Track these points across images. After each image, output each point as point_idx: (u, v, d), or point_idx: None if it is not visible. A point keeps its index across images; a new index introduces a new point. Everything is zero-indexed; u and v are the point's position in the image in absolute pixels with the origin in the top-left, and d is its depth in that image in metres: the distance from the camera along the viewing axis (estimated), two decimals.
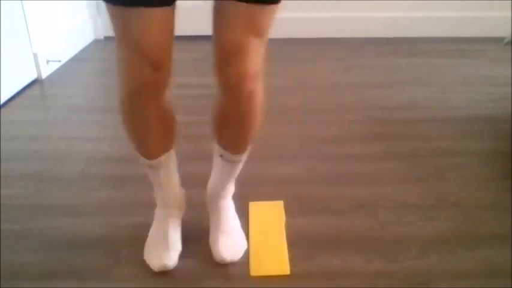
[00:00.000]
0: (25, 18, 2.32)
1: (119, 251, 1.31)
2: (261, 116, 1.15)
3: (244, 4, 0.94)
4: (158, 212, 1.33)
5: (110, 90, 2.43)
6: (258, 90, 1.10)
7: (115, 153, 1.81)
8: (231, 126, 1.15)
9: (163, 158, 1.20)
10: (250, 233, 1.37)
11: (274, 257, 1.29)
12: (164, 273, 1.24)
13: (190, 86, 2.41)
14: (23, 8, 2.30)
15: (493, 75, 2.46)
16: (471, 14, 2.96)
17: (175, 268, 1.25)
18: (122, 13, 0.95)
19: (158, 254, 1.24)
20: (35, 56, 2.41)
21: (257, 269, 1.25)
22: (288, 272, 1.24)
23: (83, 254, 1.31)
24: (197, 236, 1.36)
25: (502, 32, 2.88)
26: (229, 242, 1.28)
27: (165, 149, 1.20)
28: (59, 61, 2.61)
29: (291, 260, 1.27)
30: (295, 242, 1.33)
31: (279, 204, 1.49)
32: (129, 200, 1.53)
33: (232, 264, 1.26)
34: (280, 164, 1.70)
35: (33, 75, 2.43)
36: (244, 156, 1.23)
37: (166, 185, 1.27)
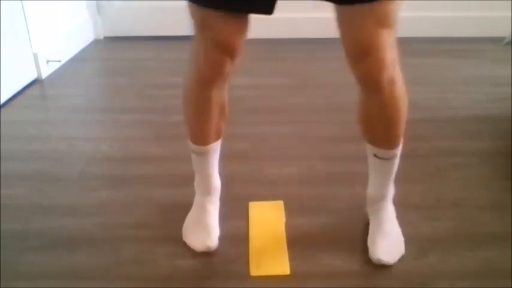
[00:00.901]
0: (25, 18, 2.32)
1: (118, 251, 1.32)
2: (407, 103, 1.17)
3: (373, 3, 0.98)
4: (198, 199, 1.40)
5: (110, 90, 2.44)
6: (398, 77, 1.12)
7: (115, 153, 1.81)
8: (380, 120, 1.18)
9: (213, 145, 1.30)
10: (250, 233, 1.37)
11: (274, 257, 1.29)
12: (164, 274, 1.24)
13: None
14: (23, 8, 2.30)
15: (493, 75, 2.46)
16: (471, 14, 2.96)
17: (175, 268, 1.26)
18: (205, 13, 1.04)
19: (200, 236, 1.30)
20: (35, 56, 2.41)
21: (257, 269, 1.25)
22: (288, 272, 1.24)
23: (83, 254, 1.31)
24: None
25: (502, 32, 2.87)
26: (388, 244, 1.27)
27: (217, 136, 1.31)
28: (59, 61, 2.61)
29: (291, 260, 1.27)
30: (295, 242, 1.33)
31: (279, 204, 1.49)
32: (129, 200, 1.53)
33: (232, 264, 1.27)
34: (280, 164, 1.70)
35: (33, 75, 2.43)
36: (399, 150, 1.24)
37: (209, 172, 1.36)
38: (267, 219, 1.43)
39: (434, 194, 1.53)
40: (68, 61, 2.73)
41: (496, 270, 1.24)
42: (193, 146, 1.31)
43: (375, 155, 1.25)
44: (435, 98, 2.20)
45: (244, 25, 1.09)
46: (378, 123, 1.19)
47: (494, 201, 1.50)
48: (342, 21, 1.05)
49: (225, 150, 1.80)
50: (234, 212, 1.45)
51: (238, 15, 1.06)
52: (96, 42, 3.08)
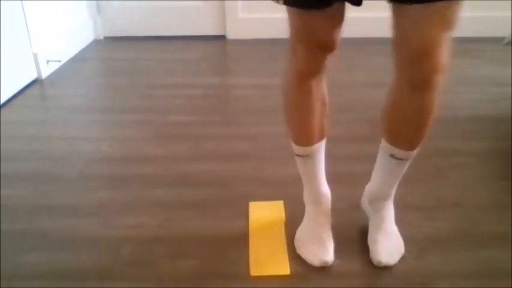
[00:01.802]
0: (25, 18, 2.32)
1: (118, 251, 1.32)
2: (438, 107, 1.17)
3: (434, 4, 0.96)
4: (309, 210, 1.36)
5: (110, 90, 2.44)
6: (443, 81, 1.11)
7: (115, 153, 1.81)
8: (412, 121, 1.17)
9: (318, 145, 1.26)
10: (250, 233, 1.37)
11: (274, 257, 1.29)
12: (164, 274, 1.24)
13: (190, 86, 2.41)
14: (23, 8, 2.30)
15: (493, 75, 2.46)
16: (471, 14, 2.95)
17: (175, 268, 1.26)
18: (307, 15, 1.06)
19: (315, 251, 1.27)
20: (35, 56, 2.41)
21: (257, 269, 1.25)
22: (288, 272, 1.24)
23: (83, 254, 1.31)
24: (196, 236, 1.37)
25: (502, 32, 2.88)
26: (389, 245, 1.27)
27: (320, 135, 1.26)
28: (59, 61, 2.62)
29: (291, 260, 1.27)
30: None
31: (279, 204, 1.49)
32: (129, 200, 1.53)
33: (232, 264, 1.27)
34: (280, 164, 1.70)
35: (33, 75, 2.43)
36: (415, 153, 1.24)
37: (318, 177, 1.32)
38: (267, 219, 1.43)
39: (434, 194, 1.54)
40: (68, 61, 2.73)
41: (496, 270, 1.24)
42: (297, 148, 1.28)
43: (392, 155, 1.24)
44: None
45: (341, 18, 1.09)
46: (408, 124, 1.18)
47: (494, 201, 1.50)
48: (402, 21, 1.02)
49: (225, 150, 1.81)
50: (234, 212, 1.46)
51: (337, 10, 1.06)
52: (96, 42, 3.08)
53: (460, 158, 1.74)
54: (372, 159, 1.74)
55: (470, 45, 2.87)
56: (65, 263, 1.28)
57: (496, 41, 2.87)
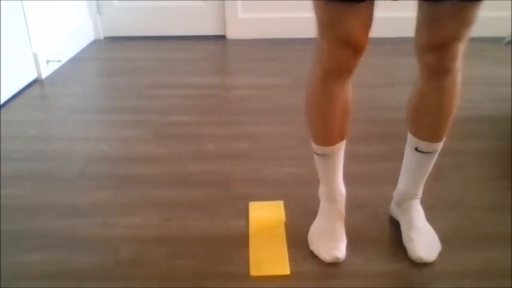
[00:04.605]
0: (25, 18, 2.32)
1: (119, 251, 1.32)
2: (458, 97, 1.20)
3: (460, 3, 1.02)
4: (323, 207, 1.37)
5: (110, 90, 2.44)
6: (461, 67, 1.17)
7: (115, 153, 1.81)
8: (434, 108, 1.20)
9: (337, 146, 1.26)
10: (250, 233, 1.37)
11: (274, 257, 1.29)
12: (164, 274, 1.24)
13: (190, 86, 2.41)
14: (23, 8, 2.30)
15: (493, 75, 2.46)
16: None
17: (175, 268, 1.26)
18: (334, 7, 1.05)
19: (328, 246, 1.27)
20: (35, 56, 2.41)
21: (257, 269, 1.25)
22: (288, 272, 1.24)
23: (83, 254, 1.31)
24: (196, 236, 1.37)
25: (502, 32, 2.87)
26: (425, 241, 1.28)
27: (340, 137, 1.27)
28: (59, 61, 2.62)
29: (291, 260, 1.27)
30: (295, 242, 1.33)
31: (279, 204, 1.49)
32: (129, 200, 1.53)
33: (232, 264, 1.27)
34: (280, 164, 1.70)
35: (33, 75, 2.43)
36: (440, 146, 1.26)
37: (335, 176, 1.34)
38: (267, 219, 1.43)
39: (434, 194, 1.53)
40: (68, 61, 2.73)
41: (497, 270, 1.24)
42: (316, 147, 1.28)
43: (416, 149, 1.26)
44: None
45: (369, 18, 1.09)
46: (430, 111, 1.21)
47: (495, 201, 1.50)
48: (427, 14, 1.07)
49: (225, 150, 1.81)
50: (234, 212, 1.46)
51: (365, 7, 1.06)
52: (96, 42, 3.08)
53: (460, 158, 1.74)
54: (371, 159, 1.74)
55: (470, 45, 2.86)
56: (65, 263, 1.28)
57: (496, 41, 2.86)
